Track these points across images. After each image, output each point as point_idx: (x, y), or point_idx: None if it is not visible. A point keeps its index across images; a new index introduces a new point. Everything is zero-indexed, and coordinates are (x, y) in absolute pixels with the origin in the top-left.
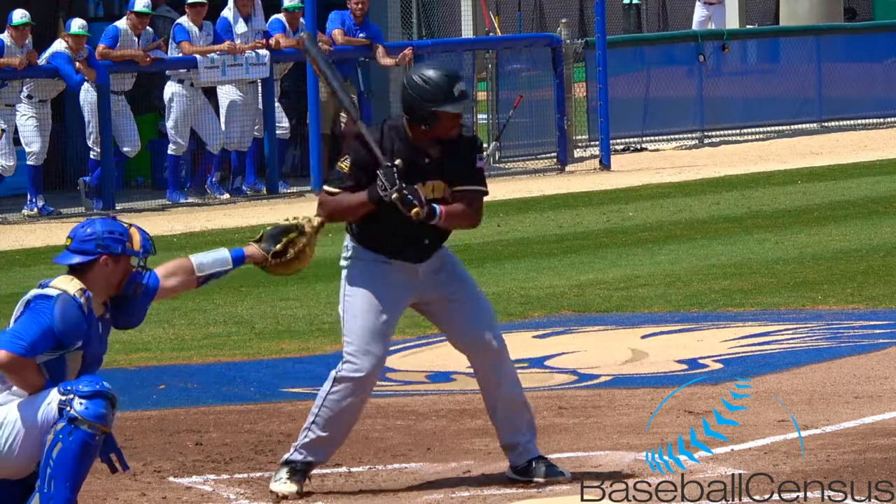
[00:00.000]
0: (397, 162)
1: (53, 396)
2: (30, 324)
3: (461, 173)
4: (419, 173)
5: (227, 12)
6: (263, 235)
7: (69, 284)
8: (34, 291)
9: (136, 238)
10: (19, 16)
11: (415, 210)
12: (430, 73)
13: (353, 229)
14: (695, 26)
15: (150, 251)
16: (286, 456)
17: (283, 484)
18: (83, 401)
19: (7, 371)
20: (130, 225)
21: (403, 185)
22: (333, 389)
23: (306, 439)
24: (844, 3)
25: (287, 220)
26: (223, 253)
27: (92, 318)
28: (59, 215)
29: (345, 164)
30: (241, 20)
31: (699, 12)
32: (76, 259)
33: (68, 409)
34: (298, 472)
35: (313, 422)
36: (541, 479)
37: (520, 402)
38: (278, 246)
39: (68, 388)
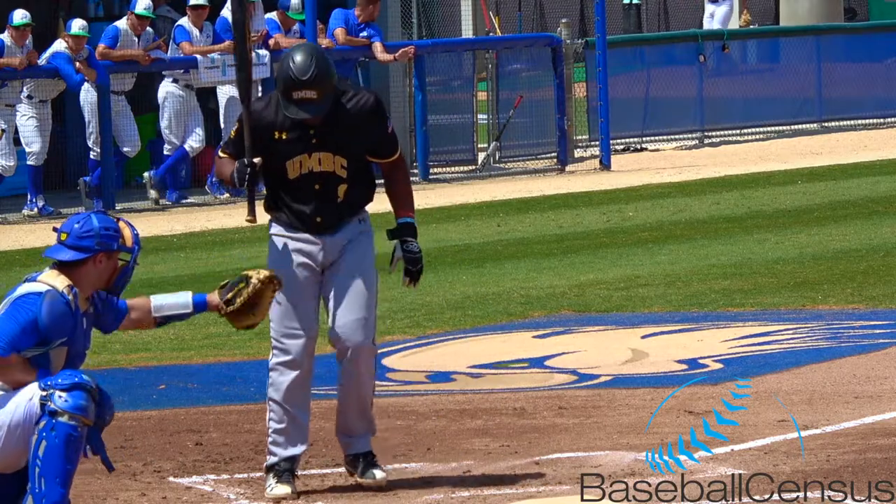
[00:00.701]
0: (256, 160)
1: (35, 391)
2: (9, 322)
3: (361, 146)
4: (302, 146)
5: (228, 12)
6: (227, 283)
7: (57, 280)
8: (23, 288)
9: (128, 234)
10: (20, 16)
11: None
12: (290, 58)
13: (266, 200)
14: (705, 25)
15: (140, 246)
16: (266, 463)
17: (274, 489)
18: (62, 394)
19: None
20: (118, 219)
21: (245, 186)
22: (270, 380)
23: (271, 438)
24: (844, 3)
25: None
26: (185, 297)
27: (78, 315)
28: (59, 215)
29: (234, 131)
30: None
31: (707, 9)
32: (71, 255)
33: (49, 403)
34: (284, 472)
35: (269, 418)
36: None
37: (363, 402)
38: (229, 295)
39: (48, 382)
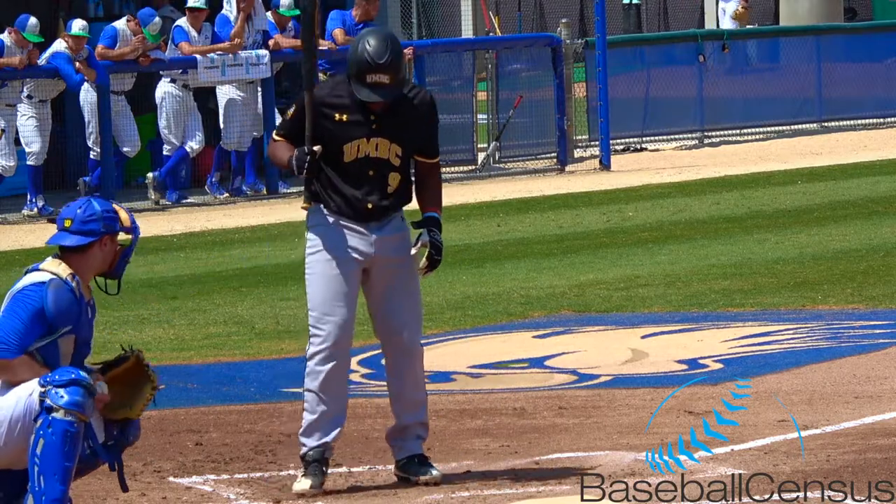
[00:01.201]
0: (316, 148)
1: (35, 387)
2: (12, 319)
3: (415, 140)
4: (362, 129)
5: (227, 11)
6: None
7: (59, 268)
8: (25, 279)
9: (124, 216)
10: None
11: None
12: (366, 41)
13: (313, 185)
14: (720, 21)
15: (139, 228)
16: (300, 453)
17: (298, 483)
18: (58, 390)
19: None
20: (111, 201)
21: (304, 174)
22: (308, 368)
23: (305, 426)
24: (844, 3)
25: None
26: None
27: (83, 302)
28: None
29: (290, 112)
30: (240, 21)
31: (720, 5)
32: (77, 240)
33: (46, 399)
34: (313, 462)
35: (305, 408)
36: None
37: (419, 404)
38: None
39: (46, 379)
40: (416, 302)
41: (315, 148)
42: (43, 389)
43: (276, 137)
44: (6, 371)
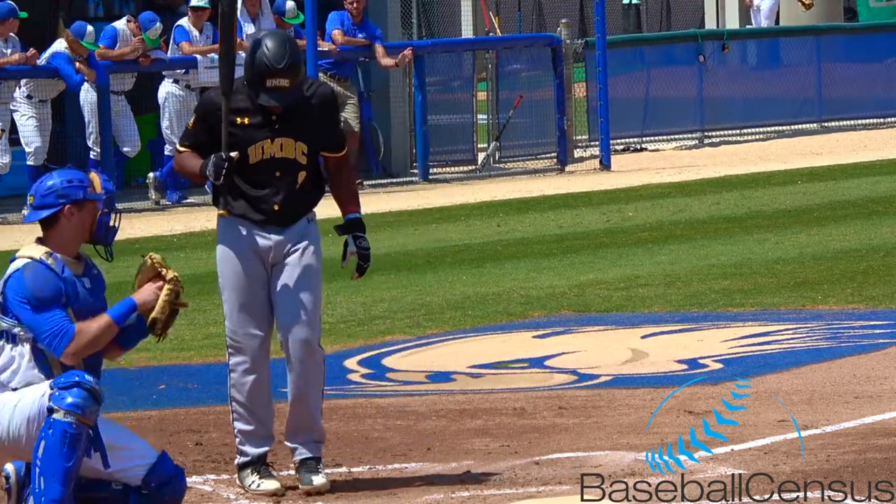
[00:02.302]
0: (234, 154)
1: (47, 388)
2: (34, 315)
3: (319, 135)
4: (265, 131)
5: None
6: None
7: (34, 250)
8: (9, 269)
9: (97, 181)
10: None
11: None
12: (264, 45)
13: (218, 194)
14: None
15: (112, 191)
16: (237, 461)
17: (262, 485)
18: (62, 392)
19: (77, 357)
20: (89, 170)
21: (223, 179)
22: (232, 380)
23: (239, 438)
24: (844, 3)
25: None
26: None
27: (68, 277)
28: None
29: (190, 121)
30: (248, 21)
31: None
32: (39, 214)
33: (49, 402)
34: (263, 467)
35: (234, 419)
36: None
37: (314, 407)
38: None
39: (54, 382)
40: (315, 301)
41: (232, 154)
42: (50, 392)
43: (182, 148)
44: (79, 355)
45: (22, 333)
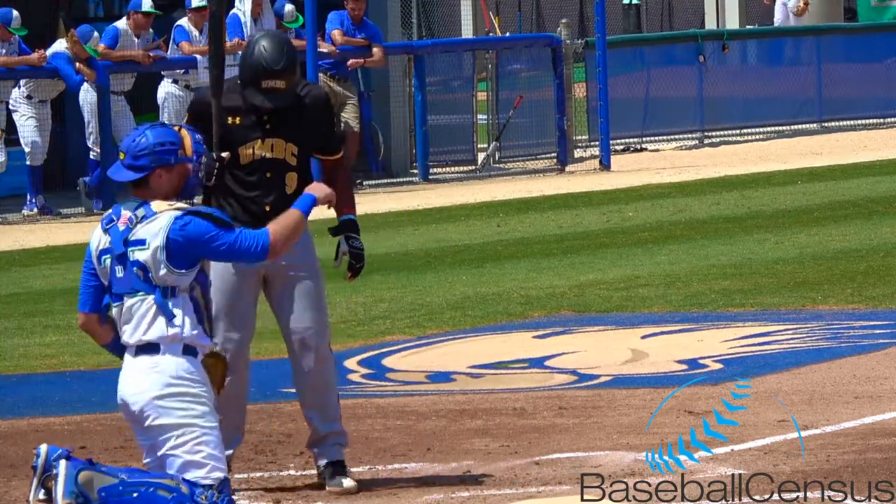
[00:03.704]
0: (225, 155)
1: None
2: (227, 236)
3: (312, 138)
4: (256, 131)
5: (239, 11)
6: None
7: (165, 206)
8: (162, 221)
9: (188, 142)
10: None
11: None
12: (261, 46)
13: (210, 195)
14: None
15: (204, 152)
16: None
17: None
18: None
19: (282, 251)
20: (180, 127)
21: (213, 181)
22: None
23: None
24: (844, 3)
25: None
26: None
27: None
28: (59, 215)
29: (183, 122)
30: (250, 21)
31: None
32: (132, 176)
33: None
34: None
35: None
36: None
37: (332, 412)
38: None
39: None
40: (321, 307)
41: (224, 154)
42: (194, 479)
43: None
44: (285, 243)
45: (181, 284)
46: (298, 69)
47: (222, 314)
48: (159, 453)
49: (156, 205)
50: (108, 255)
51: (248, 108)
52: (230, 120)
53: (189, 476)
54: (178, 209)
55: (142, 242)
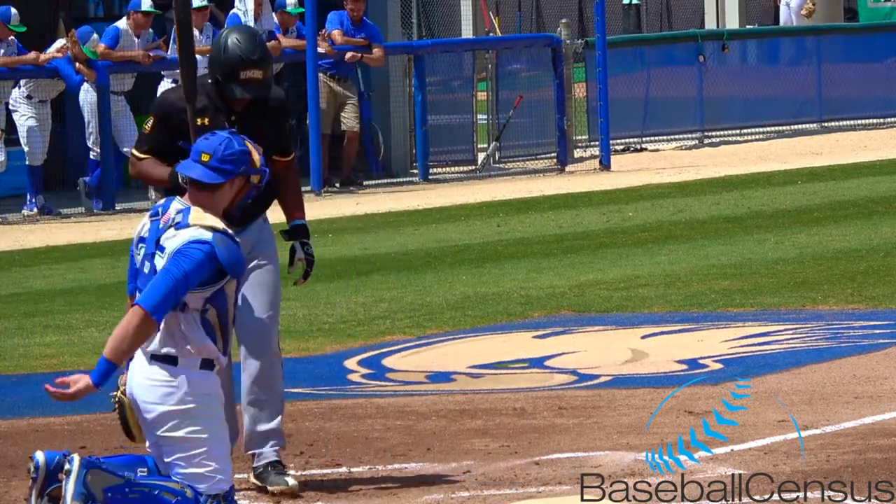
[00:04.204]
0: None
1: (208, 460)
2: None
3: (272, 138)
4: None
5: (239, 10)
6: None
7: (213, 220)
8: (184, 235)
9: (255, 155)
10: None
11: None
12: (234, 38)
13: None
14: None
15: (266, 171)
16: None
17: None
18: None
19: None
20: (243, 139)
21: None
22: None
23: None
24: (844, 3)
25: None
26: None
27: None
28: (58, 215)
29: (147, 125)
30: (251, 20)
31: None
32: (217, 178)
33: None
34: None
35: None
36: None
37: (275, 411)
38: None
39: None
40: (273, 304)
41: None
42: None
43: (141, 155)
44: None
45: (191, 303)
46: (272, 61)
47: None
48: (167, 460)
49: (193, 216)
50: (143, 246)
51: (214, 109)
52: (199, 121)
53: (195, 486)
54: (209, 227)
55: (163, 250)
